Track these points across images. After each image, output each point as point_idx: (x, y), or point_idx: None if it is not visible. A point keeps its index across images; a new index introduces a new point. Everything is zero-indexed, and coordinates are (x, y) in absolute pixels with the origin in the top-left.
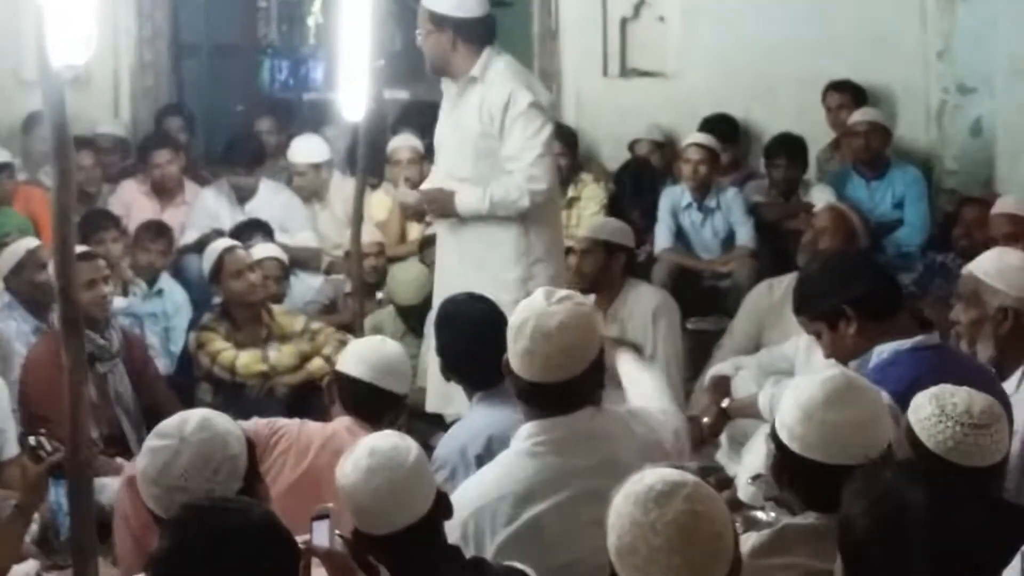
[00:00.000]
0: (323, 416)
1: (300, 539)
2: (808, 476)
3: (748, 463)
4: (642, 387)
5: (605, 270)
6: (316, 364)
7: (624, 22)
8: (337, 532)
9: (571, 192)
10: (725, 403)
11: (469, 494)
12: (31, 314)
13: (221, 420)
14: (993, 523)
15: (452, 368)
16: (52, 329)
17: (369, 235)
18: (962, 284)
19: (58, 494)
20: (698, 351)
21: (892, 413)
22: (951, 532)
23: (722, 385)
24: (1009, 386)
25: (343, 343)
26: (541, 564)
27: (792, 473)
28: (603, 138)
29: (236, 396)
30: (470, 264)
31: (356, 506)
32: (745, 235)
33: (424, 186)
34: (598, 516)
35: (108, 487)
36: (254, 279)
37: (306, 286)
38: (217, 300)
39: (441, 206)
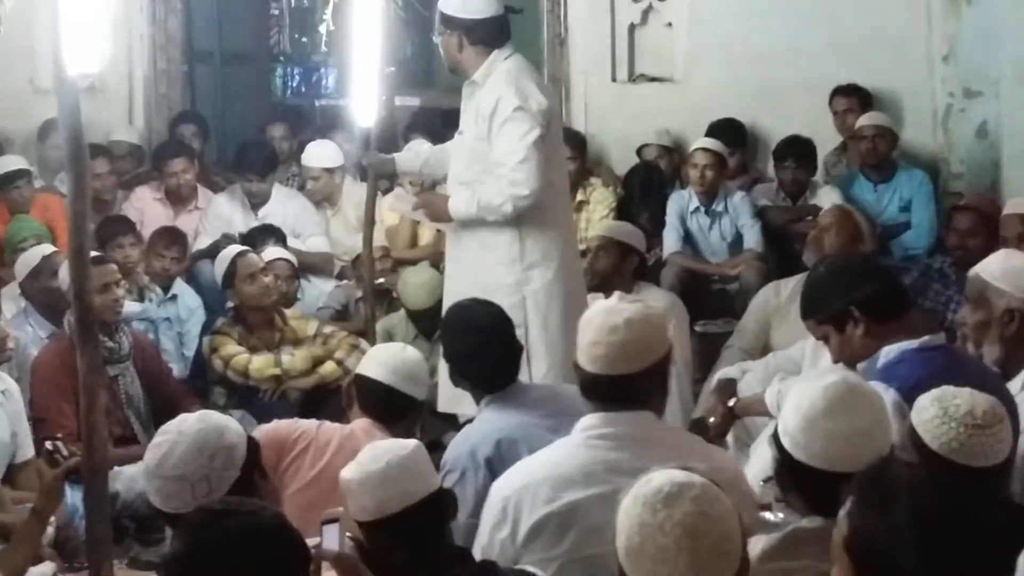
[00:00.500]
0: (335, 420)
1: (311, 542)
2: (810, 482)
3: (754, 464)
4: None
5: (617, 270)
6: (328, 368)
7: (632, 28)
8: (348, 535)
9: (580, 196)
10: (731, 402)
11: (517, 473)
12: (47, 320)
13: (220, 416)
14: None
15: (460, 373)
16: (63, 333)
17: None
18: (969, 286)
19: (74, 497)
20: (707, 353)
21: (899, 410)
22: (973, 539)
23: (728, 388)
24: (1014, 387)
25: (355, 347)
26: (570, 551)
27: (795, 479)
28: (612, 143)
29: (249, 400)
30: (468, 268)
31: (358, 492)
32: (753, 238)
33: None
34: None
35: (122, 473)
36: (267, 282)
37: (318, 291)
38: (230, 304)
39: (435, 210)
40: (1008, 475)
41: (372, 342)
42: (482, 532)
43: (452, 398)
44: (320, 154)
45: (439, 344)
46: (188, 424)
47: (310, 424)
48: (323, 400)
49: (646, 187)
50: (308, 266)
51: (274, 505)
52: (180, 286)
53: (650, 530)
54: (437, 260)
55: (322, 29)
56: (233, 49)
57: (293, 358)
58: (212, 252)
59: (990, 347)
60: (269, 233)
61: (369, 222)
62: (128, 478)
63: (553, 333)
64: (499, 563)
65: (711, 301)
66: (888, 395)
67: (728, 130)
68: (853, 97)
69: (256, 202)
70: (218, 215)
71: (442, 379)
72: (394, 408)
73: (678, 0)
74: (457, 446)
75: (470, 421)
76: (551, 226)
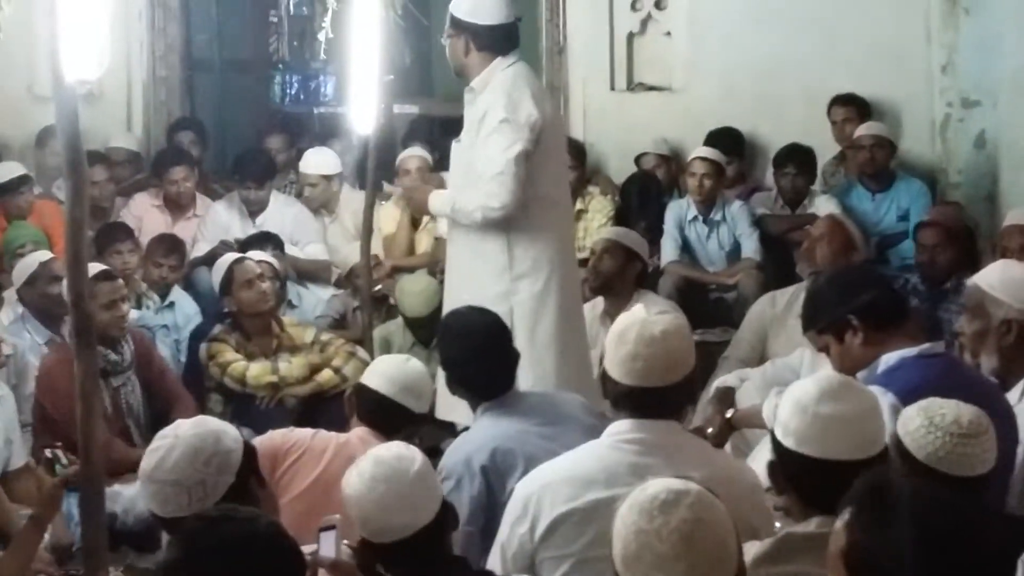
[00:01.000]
0: (332, 427)
1: (307, 549)
2: (802, 473)
3: None
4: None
5: (620, 274)
6: (326, 376)
7: (631, 37)
8: (345, 542)
9: (579, 205)
10: (729, 413)
11: (541, 472)
12: (44, 326)
13: (216, 421)
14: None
15: (456, 380)
16: (64, 340)
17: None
18: (966, 296)
19: (70, 504)
20: (704, 363)
21: (895, 414)
22: (974, 553)
23: (726, 397)
24: (1012, 397)
25: (353, 355)
26: (585, 549)
27: (787, 472)
28: (610, 151)
29: (246, 407)
30: (458, 276)
31: (361, 515)
32: (750, 247)
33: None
34: None
35: (121, 495)
36: (265, 288)
37: (316, 298)
38: (225, 310)
39: (417, 201)
40: (999, 486)
41: (369, 350)
42: (503, 528)
43: (450, 405)
44: (318, 161)
45: (437, 352)
46: (184, 429)
47: (304, 433)
48: (320, 408)
49: (643, 196)
50: (305, 273)
51: (272, 513)
52: (177, 293)
53: (647, 537)
54: (434, 268)
55: (321, 37)
56: (232, 56)
57: (290, 365)
58: (210, 259)
59: (987, 357)
60: (267, 240)
61: (367, 230)
62: (127, 500)
63: (540, 346)
64: (516, 558)
65: (709, 310)
66: (886, 399)
67: (726, 139)
68: (851, 106)
69: (254, 209)
70: (216, 222)
71: (440, 386)
72: (392, 420)
73: (677, 9)
74: (453, 454)
75: (467, 429)
76: (543, 237)
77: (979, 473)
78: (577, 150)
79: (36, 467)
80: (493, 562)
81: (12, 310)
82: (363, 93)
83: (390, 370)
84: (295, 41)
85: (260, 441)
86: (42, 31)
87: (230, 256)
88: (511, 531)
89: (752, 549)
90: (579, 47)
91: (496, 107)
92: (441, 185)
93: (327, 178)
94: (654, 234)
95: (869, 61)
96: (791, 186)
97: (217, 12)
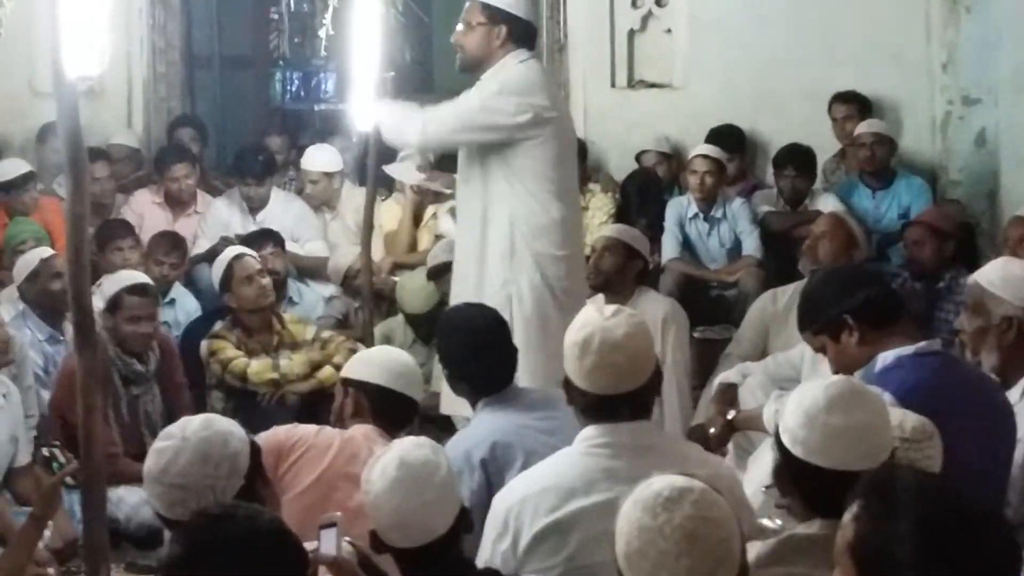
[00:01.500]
0: (333, 425)
1: (308, 546)
2: (810, 481)
3: (755, 473)
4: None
5: (621, 271)
6: (327, 372)
7: (632, 34)
8: (346, 539)
9: (580, 202)
10: (731, 415)
11: (517, 485)
12: (45, 322)
13: (223, 420)
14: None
15: (456, 376)
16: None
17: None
18: (967, 293)
19: (71, 502)
20: (705, 360)
21: None
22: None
23: (729, 393)
24: (1013, 395)
25: (353, 351)
26: (568, 559)
27: (794, 478)
28: (611, 149)
29: (247, 404)
30: (464, 266)
31: (378, 517)
32: (751, 245)
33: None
34: None
35: (124, 501)
36: (265, 283)
37: (317, 295)
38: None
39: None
40: (998, 484)
41: (370, 346)
42: (484, 545)
43: (454, 400)
44: (319, 158)
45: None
46: (192, 430)
47: (308, 429)
48: (321, 404)
49: (644, 193)
50: (306, 270)
51: (274, 509)
52: (179, 290)
53: (650, 534)
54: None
55: (322, 34)
56: (233, 53)
57: (291, 362)
58: (211, 256)
59: (988, 354)
60: (268, 237)
61: (368, 227)
62: (130, 507)
63: (536, 337)
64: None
65: (709, 307)
66: (883, 398)
67: (727, 136)
68: (852, 104)
69: (255, 206)
70: (217, 219)
71: (445, 381)
72: (399, 412)
73: (678, 6)
74: (452, 448)
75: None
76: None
77: None
78: (578, 147)
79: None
80: None
81: (13, 306)
82: (363, 90)
83: (382, 360)
84: (296, 38)
85: (264, 437)
86: (43, 28)
87: (230, 251)
88: (493, 549)
89: (753, 550)
90: (580, 44)
91: (499, 81)
92: (450, 184)
93: (328, 175)
94: (655, 231)
95: (870, 58)
96: (791, 187)
97: (217, 9)
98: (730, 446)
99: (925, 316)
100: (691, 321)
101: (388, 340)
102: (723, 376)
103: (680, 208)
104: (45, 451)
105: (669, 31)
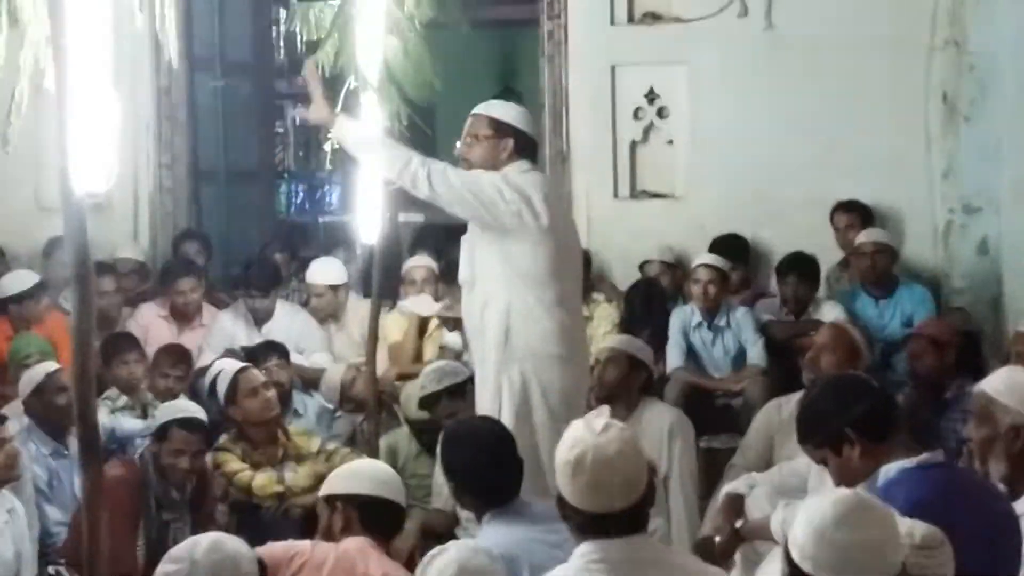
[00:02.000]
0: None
1: None
2: None
3: None
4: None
5: (625, 383)
6: None
7: (634, 145)
8: None
9: (584, 312)
10: (739, 524)
11: None
12: (50, 436)
13: (232, 542)
14: None
15: (461, 489)
16: (130, 459)
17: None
18: (973, 402)
19: None
20: (711, 469)
21: None
22: None
23: (736, 504)
24: (1020, 506)
25: None
26: None
27: None
28: (614, 259)
29: (251, 517)
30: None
31: None
32: (756, 354)
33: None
34: None
35: None
36: (270, 396)
37: (321, 407)
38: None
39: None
40: None
41: (376, 457)
42: None
43: None
44: (325, 271)
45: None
46: (201, 553)
47: (304, 544)
48: None
49: (648, 303)
50: (311, 382)
51: None
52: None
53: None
54: None
55: (326, 147)
56: (238, 167)
57: (296, 475)
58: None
59: (996, 463)
60: (272, 349)
61: (372, 338)
62: None
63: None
64: None
65: (715, 416)
66: (891, 511)
67: (730, 246)
68: (854, 213)
69: (260, 318)
70: (222, 332)
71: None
72: (390, 521)
73: (679, 118)
74: None
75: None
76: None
77: None
78: (582, 258)
79: None
80: None
81: (18, 420)
82: (368, 202)
83: (366, 472)
84: (300, 151)
85: (261, 552)
86: (50, 143)
87: (235, 365)
88: None
89: None
90: (582, 155)
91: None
92: (455, 297)
93: (334, 288)
94: (659, 341)
95: (870, 167)
96: (794, 295)
97: (223, 124)
98: (737, 556)
99: (931, 426)
100: (696, 430)
101: (393, 452)
102: (730, 486)
103: (684, 317)
104: (51, 570)
105: (671, 142)
